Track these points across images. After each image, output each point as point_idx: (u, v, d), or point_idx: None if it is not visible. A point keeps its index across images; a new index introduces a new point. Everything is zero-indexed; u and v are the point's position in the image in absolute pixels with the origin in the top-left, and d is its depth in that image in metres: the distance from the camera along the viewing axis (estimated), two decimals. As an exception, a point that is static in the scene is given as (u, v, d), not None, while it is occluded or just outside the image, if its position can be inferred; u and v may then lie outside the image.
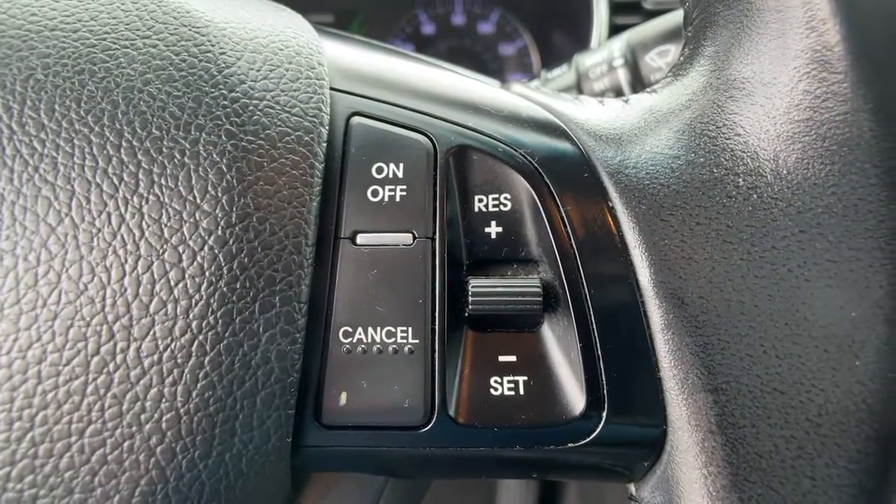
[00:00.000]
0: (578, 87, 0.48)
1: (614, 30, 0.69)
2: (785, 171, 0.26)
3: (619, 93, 0.48)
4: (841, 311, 0.25)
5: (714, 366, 0.25)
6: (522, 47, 0.90)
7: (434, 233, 0.27)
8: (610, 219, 0.27)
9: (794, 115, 0.26)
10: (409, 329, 0.27)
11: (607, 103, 0.32)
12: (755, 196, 0.26)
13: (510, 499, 0.87)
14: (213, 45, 0.27)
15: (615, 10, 0.71)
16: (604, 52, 0.48)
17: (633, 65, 0.46)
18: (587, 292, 0.27)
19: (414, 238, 0.27)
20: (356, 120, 0.29)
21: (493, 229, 0.28)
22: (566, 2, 0.80)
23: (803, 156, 0.25)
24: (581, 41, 0.75)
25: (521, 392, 0.27)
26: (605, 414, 0.26)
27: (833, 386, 0.24)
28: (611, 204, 0.28)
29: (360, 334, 0.27)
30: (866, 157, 0.25)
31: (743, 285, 0.26)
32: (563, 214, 0.27)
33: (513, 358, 0.27)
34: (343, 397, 0.27)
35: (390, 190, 0.28)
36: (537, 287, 0.27)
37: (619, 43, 0.48)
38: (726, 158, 0.27)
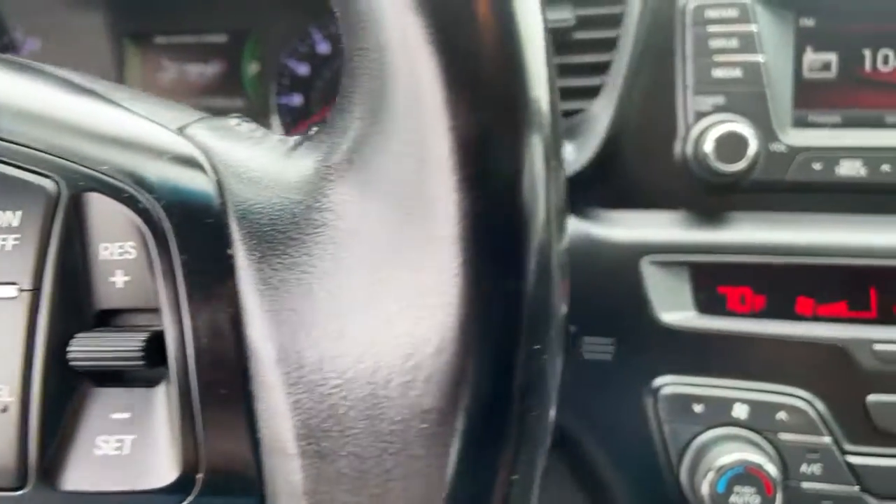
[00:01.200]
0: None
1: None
2: (373, 223, 0.24)
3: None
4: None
5: (299, 428, 0.24)
6: (419, 64, 0.88)
7: (40, 284, 0.26)
8: (226, 268, 0.26)
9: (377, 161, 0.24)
10: (6, 387, 0.25)
11: (284, 142, 0.30)
12: (354, 243, 0.24)
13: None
14: None
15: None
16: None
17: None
18: (191, 348, 0.25)
19: (19, 291, 0.26)
20: None
21: (120, 278, 0.27)
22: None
23: (383, 208, 0.24)
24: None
25: (128, 452, 0.25)
26: (200, 478, 0.25)
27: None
28: (230, 251, 0.26)
29: None
30: (430, 212, 0.23)
31: (336, 343, 0.24)
32: (179, 263, 0.26)
33: (127, 415, 0.26)
34: None
35: (2, 240, 0.26)
36: (138, 343, 0.25)
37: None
38: (335, 202, 0.25)
